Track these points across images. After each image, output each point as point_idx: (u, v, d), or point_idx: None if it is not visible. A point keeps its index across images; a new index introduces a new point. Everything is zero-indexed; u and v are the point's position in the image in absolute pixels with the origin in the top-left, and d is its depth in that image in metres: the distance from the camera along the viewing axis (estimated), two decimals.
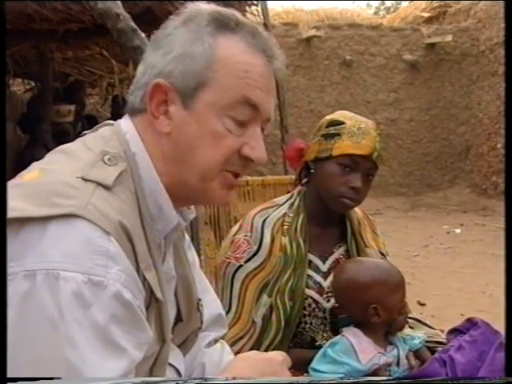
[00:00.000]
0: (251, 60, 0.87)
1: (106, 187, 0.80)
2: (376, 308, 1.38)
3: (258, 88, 0.87)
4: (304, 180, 1.58)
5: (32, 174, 0.82)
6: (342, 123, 1.49)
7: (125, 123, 0.92)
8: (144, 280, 0.81)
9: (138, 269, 0.80)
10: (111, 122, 0.95)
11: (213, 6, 0.90)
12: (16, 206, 0.75)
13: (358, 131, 1.46)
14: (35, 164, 0.86)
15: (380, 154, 1.48)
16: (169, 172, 0.89)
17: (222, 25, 0.87)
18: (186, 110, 0.86)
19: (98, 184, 0.80)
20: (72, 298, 0.72)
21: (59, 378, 0.71)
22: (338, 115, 1.54)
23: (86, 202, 0.77)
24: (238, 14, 0.90)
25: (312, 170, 1.54)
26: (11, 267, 0.72)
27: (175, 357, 1.00)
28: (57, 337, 0.71)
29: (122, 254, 0.77)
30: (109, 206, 0.78)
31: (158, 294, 0.84)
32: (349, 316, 1.47)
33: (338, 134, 1.47)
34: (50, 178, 0.80)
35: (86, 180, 0.80)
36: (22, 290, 0.72)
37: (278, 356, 1.00)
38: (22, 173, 0.83)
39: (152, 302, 0.84)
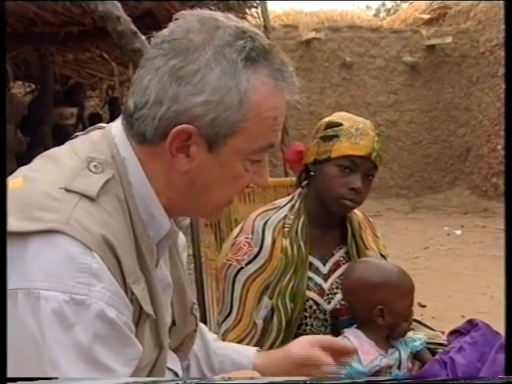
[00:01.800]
0: (278, 103, 0.85)
1: (90, 198, 0.78)
2: (382, 309, 1.37)
3: (279, 130, 0.87)
4: (304, 183, 1.59)
5: (16, 181, 0.80)
6: (340, 125, 1.49)
7: (116, 127, 0.88)
8: (132, 294, 0.79)
9: (124, 283, 0.78)
10: (103, 124, 0.92)
11: (236, 22, 0.84)
12: None
13: (355, 132, 1.46)
14: (21, 169, 0.84)
15: (379, 154, 1.48)
16: (175, 198, 0.87)
17: (253, 58, 0.81)
18: (210, 153, 0.83)
19: (82, 195, 0.77)
20: (53, 319, 0.70)
21: (57, 378, 0.70)
22: (335, 117, 1.54)
23: (68, 216, 0.74)
24: (263, 35, 0.85)
25: (312, 173, 1.54)
26: None
27: (171, 360, 1.00)
28: (40, 360, 0.70)
29: (105, 271, 0.75)
30: (92, 219, 0.76)
31: (147, 308, 0.82)
32: (353, 315, 1.46)
33: (337, 136, 1.47)
34: (32, 187, 0.78)
35: (68, 191, 0.77)
36: None
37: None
38: (8, 178, 0.81)
39: (142, 314, 0.82)
